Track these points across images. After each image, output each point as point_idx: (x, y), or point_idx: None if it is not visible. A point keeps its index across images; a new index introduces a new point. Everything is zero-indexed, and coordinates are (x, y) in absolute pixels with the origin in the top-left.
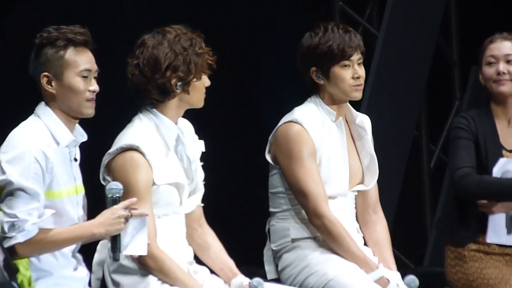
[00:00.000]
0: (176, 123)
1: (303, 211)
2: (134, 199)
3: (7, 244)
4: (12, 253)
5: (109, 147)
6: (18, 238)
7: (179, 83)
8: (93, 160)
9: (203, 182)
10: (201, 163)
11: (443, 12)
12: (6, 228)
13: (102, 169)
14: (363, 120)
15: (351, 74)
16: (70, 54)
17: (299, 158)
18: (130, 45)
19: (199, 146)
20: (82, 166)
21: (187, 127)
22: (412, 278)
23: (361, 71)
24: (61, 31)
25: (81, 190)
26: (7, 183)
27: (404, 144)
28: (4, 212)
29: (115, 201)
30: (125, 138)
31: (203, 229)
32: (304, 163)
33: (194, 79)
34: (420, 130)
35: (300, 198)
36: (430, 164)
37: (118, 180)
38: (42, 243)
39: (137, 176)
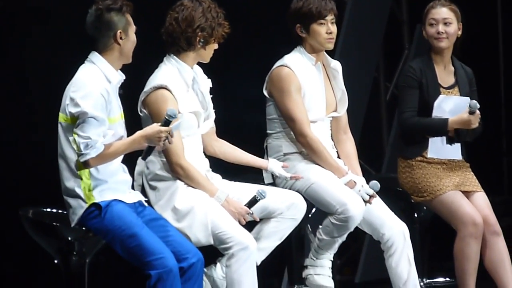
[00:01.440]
0: (192, 68)
1: (292, 133)
2: (172, 129)
3: (83, 159)
4: (86, 165)
5: (139, 85)
6: (92, 153)
7: (202, 40)
8: (130, 94)
9: (214, 110)
10: (211, 96)
11: None
12: (82, 147)
13: (139, 104)
14: (336, 65)
15: (325, 30)
16: (129, 18)
17: (288, 92)
18: (157, 14)
19: (208, 83)
20: (123, 99)
21: (198, 69)
22: (374, 182)
23: (333, 28)
24: (117, 0)
25: (123, 116)
26: (81, 113)
27: (367, 82)
28: (79, 135)
29: (166, 122)
30: (156, 79)
31: (218, 141)
32: (292, 97)
33: (213, 41)
34: (379, 71)
35: (289, 122)
36: (386, 97)
37: (152, 111)
38: (108, 155)
39: (167, 107)
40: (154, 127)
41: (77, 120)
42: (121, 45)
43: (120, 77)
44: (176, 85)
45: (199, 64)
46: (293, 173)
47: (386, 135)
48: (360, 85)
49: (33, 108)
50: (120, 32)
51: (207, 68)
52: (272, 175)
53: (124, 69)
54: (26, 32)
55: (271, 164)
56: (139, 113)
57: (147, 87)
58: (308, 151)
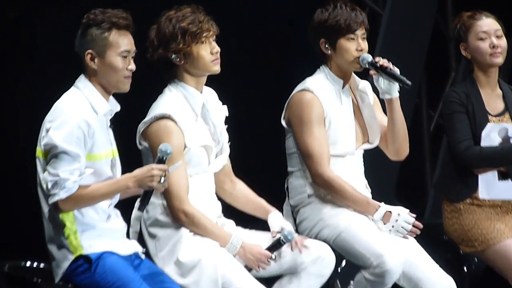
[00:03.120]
0: (201, 92)
1: None
2: (168, 168)
3: (51, 200)
4: (56, 208)
5: (139, 116)
6: (60, 194)
7: (173, 56)
8: (127, 127)
9: (228, 143)
10: (226, 126)
11: None
12: (50, 186)
13: (138, 135)
14: (365, 86)
15: (355, 47)
16: (113, 36)
17: (308, 123)
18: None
19: (223, 111)
20: (118, 131)
21: (211, 95)
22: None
23: (364, 45)
24: (106, 15)
25: (116, 153)
26: (52, 147)
27: (407, 110)
28: (49, 172)
29: (160, 160)
30: (158, 108)
31: (233, 181)
32: (312, 128)
33: (187, 49)
34: (421, 97)
35: (305, 159)
36: (429, 128)
37: (153, 145)
38: (82, 198)
39: (170, 141)
40: (145, 166)
41: (48, 155)
42: (96, 69)
43: (108, 107)
44: (182, 114)
45: (216, 86)
46: (319, 219)
47: (429, 173)
48: None
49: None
50: (90, 53)
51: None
52: (295, 221)
53: (122, 97)
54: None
55: (272, 219)
56: (138, 146)
57: (148, 117)
58: (328, 192)
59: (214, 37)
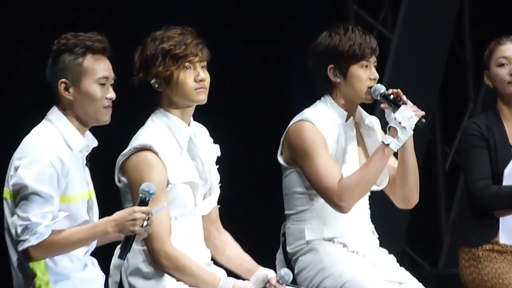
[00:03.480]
0: (188, 125)
1: (318, 211)
2: (153, 210)
3: (20, 247)
4: (26, 256)
5: (119, 151)
6: (31, 240)
7: (153, 80)
8: (105, 164)
9: (219, 185)
10: (217, 166)
11: (456, 14)
12: (19, 231)
13: (117, 170)
14: (372, 121)
15: (368, 75)
16: (88, 61)
17: (313, 152)
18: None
19: (215, 150)
20: (95, 170)
21: (201, 130)
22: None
23: (377, 74)
24: (79, 38)
25: (93, 194)
26: (21, 187)
27: (419, 146)
28: (18, 215)
29: (143, 202)
30: (138, 138)
31: (219, 231)
32: (320, 156)
33: (166, 73)
34: (435, 132)
35: (321, 193)
36: (445, 166)
37: (132, 180)
38: (56, 245)
39: (151, 176)
40: (126, 209)
41: (17, 196)
42: (71, 100)
43: (85, 142)
44: (165, 146)
45: (210, 124)
46: (320, 269)
47: (444, 217)
48: None
49: None
50: (63, 82)
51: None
52: (293, 270)
53: (100, 130)
54: None
55: (262, 270)
56: (117, 183)
57: (127, 149)
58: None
59: (204, 64)
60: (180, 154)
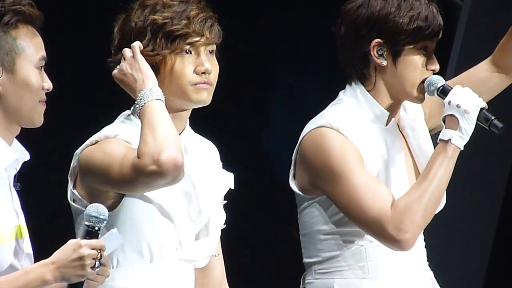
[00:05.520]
0: (179, 133)
1: (357, 258)
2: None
3: None
4: None
5: (63, 165)
6: None
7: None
8: (42, 184)
9: (223, 227)
10: (224, 202)
11: None
12: None
13: (70, 185)
14: (418, 112)
15: (426, 64)
16: (23, 35)
17: (346, 171)
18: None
19: (226, 179)
20: (28, 193)
21: (203, 146)
22: None
23: (437, 64)
24: (6, 2)
25: (25, 229)
26: None
27: (500, 165)
28: None
29: (90, 233)
30: (102, 131)
31: None
32: (356, 174)
33: (156, 58)
34: None
35: (364, 227)
36: None
37: (96, 172)
38: None
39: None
40: (67, 245)
41: None
42: (1, 93)
43: (13, 156)
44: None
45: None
46: None
47: None
48: (485, 180)
49: None
50: None
51: None
52: None
53: (32, 139)
54: None
55: None
56: (70, 201)
57: (86, 143)
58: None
59: (212, 48)
60: None
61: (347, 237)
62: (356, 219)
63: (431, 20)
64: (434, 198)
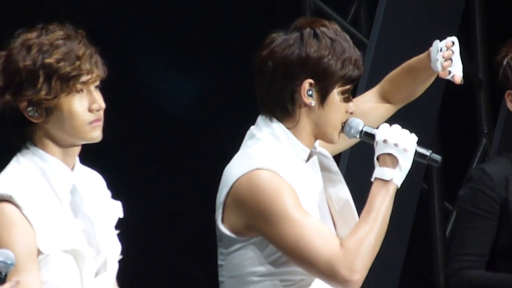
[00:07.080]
0: (72, 169)
1: None
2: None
3: None
4: None
5: None
6: None
7: (29, 108)
8: None
9: (120, 257)
10: (117, 232)
11: (462, 11)
12: None
13: None
14: (323, 151)
15: (347, 106)
16: None
17: (289, 214)
18: None
19: (114, 208)
20: None
21: (92, 178)
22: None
23: (353, 107)
24: None
25: None
26: None
27: (409, 201)
28: None
29: None
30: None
31: None
32: (299, 217)
33: (53, 101)
34: (431, 181)
35: (309, 269)
36: (445, 229)
37: None
38: None
39: (11, 238)
40: None
41: None
42: None
43: None
44: (32, 198)
45: (101, 168)
46: None
47: None
48: (397, 206)
49: None
50: None
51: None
52: None
53: None
54: None
55: None
56: None
57: None
58: None
59: (97, 83)
60: (57, 210)
61: (284, 277)
62: (303, 261)
63: (360, 65)
64: (380, 238)
